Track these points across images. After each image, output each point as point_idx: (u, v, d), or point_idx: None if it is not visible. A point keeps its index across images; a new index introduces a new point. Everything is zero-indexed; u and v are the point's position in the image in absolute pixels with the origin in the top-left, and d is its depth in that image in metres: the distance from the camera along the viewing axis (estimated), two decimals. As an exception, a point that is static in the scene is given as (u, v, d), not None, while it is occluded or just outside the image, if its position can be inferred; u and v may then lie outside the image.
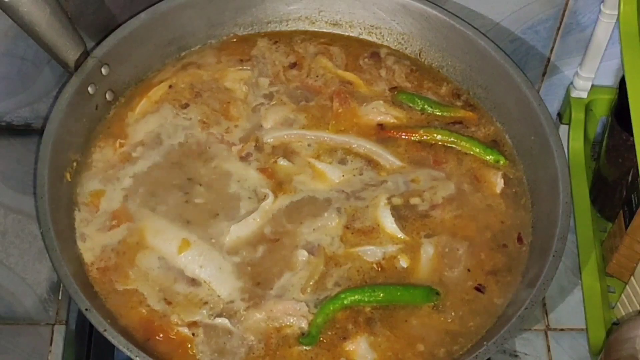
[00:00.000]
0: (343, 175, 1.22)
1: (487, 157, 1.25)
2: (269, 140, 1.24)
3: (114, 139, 1.24)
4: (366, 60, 1.34)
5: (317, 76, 1.32)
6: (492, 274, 1.15)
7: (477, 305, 1.13)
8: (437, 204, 1.20)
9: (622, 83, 1.26)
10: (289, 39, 1.35)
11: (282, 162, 1.22)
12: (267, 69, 1.32)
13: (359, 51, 1.35)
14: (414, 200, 1.21)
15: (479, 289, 1.13)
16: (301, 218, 1.18)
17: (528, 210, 1.21)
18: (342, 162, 1.24)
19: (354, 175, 1.22)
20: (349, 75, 1.32)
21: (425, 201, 1.20)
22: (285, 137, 1.25)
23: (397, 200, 1.20)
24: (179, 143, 1.24)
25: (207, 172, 1.22)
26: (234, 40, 1.34)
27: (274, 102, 1.28)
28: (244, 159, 1.23)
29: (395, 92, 1.30)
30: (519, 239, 1.17)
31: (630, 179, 1.34)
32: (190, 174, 1.22)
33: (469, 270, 1.15)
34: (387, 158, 1.24)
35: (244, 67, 1.32)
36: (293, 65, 1.33)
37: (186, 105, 1.28)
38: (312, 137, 1.25)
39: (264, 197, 1.19)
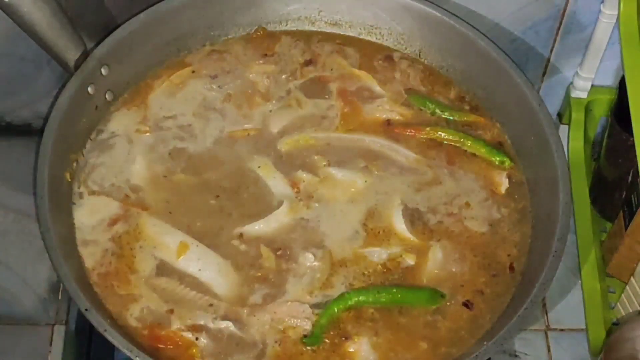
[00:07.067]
0: (366, 181, 1.22)
1: (493, 158, 1.25)
2: (282, 148, 1.24)
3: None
4: (380, 62, 1.34)
5: (332, 70, 1.32)
6: (480, 293, 1.15)
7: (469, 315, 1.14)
8: (451, 212, 1.20)
9: (622, 83, 1.26)
10: (308, 37, 1.36)
11: (302, 174, 1.22)
12: (287, 66, 1.32)
13: (373, 53, 1.35)
14: (428, 205, 1.21)
15: (467, 305, 1.14)
16: (312, 227, 1.18)
17: (529, 223, 1.21)
18: (362, 168, 1.23)
19: (374, 180, 1.22)
20: (363, 74, 1.32)
21: (438, 208, 1.20)
22: (299, 141, 1.25)
23: (411, 202, 1.20)
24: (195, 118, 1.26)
25: (218, 164, 1.23)
26: (260, 33, 1.35)
27: (284, 104, 1.29)
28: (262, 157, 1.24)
29: (408, 94, 1.31)
30: (511, 268, 1.17)
31: (630, 179, 1.34)
32: (201, 167, 1.22)
33: (462, 285, 1.15)
34: (402, 152, 1.25)
35: (268, 62, 1.32)
36: (308, 63, 1.33)
37: (215, 77, 1.30)
38: (324, 138, 1.26)
39: (279, 205, 1.18)
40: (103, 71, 1.24)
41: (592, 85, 1.45)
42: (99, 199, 1.19)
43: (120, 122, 1.26)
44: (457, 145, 1.26)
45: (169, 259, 1.14)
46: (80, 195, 1.19)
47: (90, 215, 1.17)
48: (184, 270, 1.13)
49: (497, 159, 1.25)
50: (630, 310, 1.30)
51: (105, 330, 1.03)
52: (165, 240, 1.15)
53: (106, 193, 1.19)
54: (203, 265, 1.13)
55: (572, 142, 1.45)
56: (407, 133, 1.27)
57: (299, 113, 1.28)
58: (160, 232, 1.16)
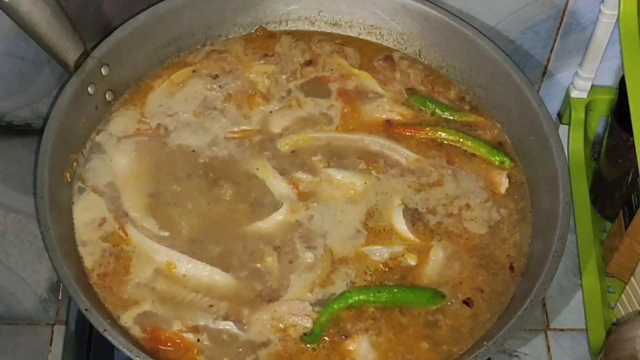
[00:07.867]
0: (365, 183, 1.22)
1: (493, 158, 1.25)
2: (282, 148, 1.24)
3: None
4: (380, 62, 1.34)
5: (332, 70, 1.32)
6: (480, 291, 1.15)
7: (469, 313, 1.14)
8: (451, 212, 1.20)
9: (622, 83, 1.26)
10: (308, 38, 1.36)
11: (302, 174, 1.22)
12: (287, 67, 1.32)
13: (373, 53, 1.35)
14: (428, 205, 1.21)
15: (467, 302, 1.14)
16: (313, 226, 1.18)
17: (529, 223, 1.21)
18: (362, 170, 1.23)
19: (374, 181, 1.22)
20: (363, 74, 1.32)
21: (438, 209, 1.20)
22: (299, 141, 1.25)
23: (411, 203, 1.20)
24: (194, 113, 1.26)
25: (211, 165, 1.23)
26: (260, 33, 1.35)
27: (284, 104, 1.29)
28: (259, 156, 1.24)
29: (408, 94, 1.31)
30: (511, 268, 1.17)
31: (630, 179, 1.34)
32: (200, 167, 1.22)
33: (461, 283, 1.15)
34: (402, 152, 1.24)
35: (268, 62, 1.32)
36: (309, 63, 1.33)
37: (216, 76, 1.30)
38: (324, 139, 1.25)
39: (279, 207, 1.18)
40: (103, 71, 1.24)
41: (592, 85, 1.45)
42: (94, 197, 1.18)
43: (120, 122, 1.25)
44: (457, 145, 1.26)
45: (162, 269, 1.14)
46: (80, 190, 1.19)
47: (84, 212, 1.17)
48: (182, 273, 1.13)
49: (497, 159, 1.25)
50: (630, 310, 1.30)
51: (105, 330, 1.03)
52: (153, 258, 1.14)
53: (100, 192, 1.19)
54: (194, 277, 1.13)
55: (572, 142, 1.45)
56: (407, 133, 1.27)
57: (299, 113, 1.28)
58: (145, 250, 1.15)
